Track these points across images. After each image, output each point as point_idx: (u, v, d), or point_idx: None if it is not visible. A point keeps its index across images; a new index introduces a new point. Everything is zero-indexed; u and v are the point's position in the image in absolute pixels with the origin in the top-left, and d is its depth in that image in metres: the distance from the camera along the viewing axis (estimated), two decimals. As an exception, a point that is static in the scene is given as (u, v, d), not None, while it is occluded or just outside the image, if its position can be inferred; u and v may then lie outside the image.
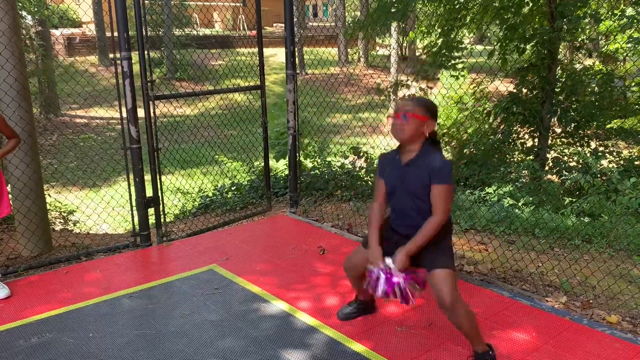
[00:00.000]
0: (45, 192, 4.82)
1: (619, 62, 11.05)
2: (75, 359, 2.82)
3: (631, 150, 8.75)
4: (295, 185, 5.43)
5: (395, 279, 2.54)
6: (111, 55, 4.17)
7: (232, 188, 6.90)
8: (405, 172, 2.63)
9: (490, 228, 4.89)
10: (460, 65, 7.41)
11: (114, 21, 4.04)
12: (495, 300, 3.41)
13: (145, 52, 4.17)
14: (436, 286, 2.52)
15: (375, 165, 6.62)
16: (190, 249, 4.37)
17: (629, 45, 7.59)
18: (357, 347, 2.90)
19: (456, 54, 7.31)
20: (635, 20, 6.35)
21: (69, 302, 3.45)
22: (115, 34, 4.06)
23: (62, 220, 6.76)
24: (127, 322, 3.19)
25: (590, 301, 3.46)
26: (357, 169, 6.52)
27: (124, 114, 4.21)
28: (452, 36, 7.64)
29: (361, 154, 6.70)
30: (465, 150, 7.55)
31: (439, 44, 7.58)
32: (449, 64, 7.28)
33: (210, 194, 7.11)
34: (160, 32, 18.55)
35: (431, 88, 7.92)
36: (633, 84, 9.23)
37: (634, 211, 5.27)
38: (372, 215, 2.78)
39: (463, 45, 7.53)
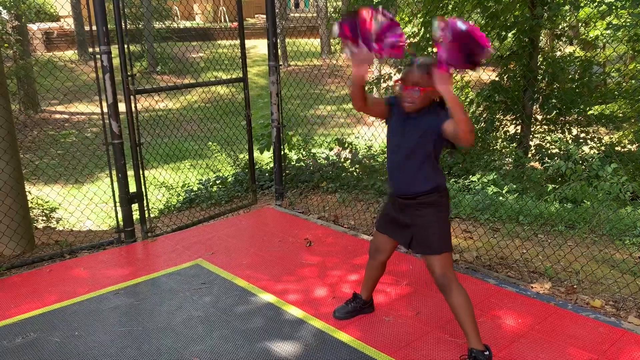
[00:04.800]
0: (27, 190, 4.74)
1: (599, 49, 11.16)
2: (61, 357, 2.79)
3: (612, 136, 8.87)
4: (280, 177, 5.42)
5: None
6: (90, 50, 4.07)
7: (217, 182, 6.86)
8: (406, 121, 2.55)
9: (475, 216, 4.92)
10: None
11: (92, 15, 3.97)
12: (480, 287, 3.44)
13: (125, 46, 4.11)
14: (430, 268, 2.61)
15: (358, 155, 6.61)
16: (175, 244, 4.34)
17: (608, 32, 7.66)
18: (345, 337, 2.91)
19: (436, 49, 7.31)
20: (614, 7, 6.41)
21: (54, 300, 3.41)
22: (94, 27, 3.99)
23: (44, 218, 6.66)
24: (113, 319, 3.16)
25: (575, 286, 3.50)
26: (342, 160, 6.51)
27: (105, 109, 4.16)
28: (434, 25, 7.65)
29: (346, 145, 6.69)
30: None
31: (421, 34, 7.59)
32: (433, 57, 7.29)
33: (195, 188, 7.07)
34: (140, 25, 18.29)
35: None
36: (613, 70, 9.33)
37: (615, 196, 5.35)
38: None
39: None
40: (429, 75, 2.38)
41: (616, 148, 7.44)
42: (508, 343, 2.82)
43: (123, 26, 4.08)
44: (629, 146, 8.21)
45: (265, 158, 7.41)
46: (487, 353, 2.58)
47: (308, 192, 5.85)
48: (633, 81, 8.90)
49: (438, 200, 2.61)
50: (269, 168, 6.76)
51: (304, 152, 6.78)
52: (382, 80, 8.21)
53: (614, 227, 4.56)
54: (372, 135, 6.21)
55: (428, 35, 7.62)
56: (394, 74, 7.87)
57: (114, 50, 4.03)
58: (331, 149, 6.98)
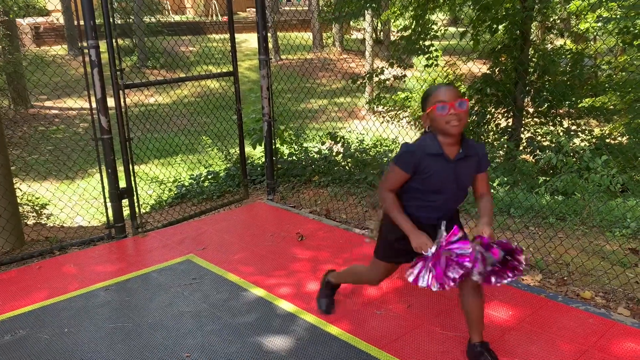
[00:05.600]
0: (16, 186, 4.70)
1: (589, 42, 11.21)
2: (50, 355, 2.77)
3: (602, 129, 8.91)
4: (272, 172, 5.40)
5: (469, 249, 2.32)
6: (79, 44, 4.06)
7: (209, 176, 6.84)
8: (458, 169, 2.41)
9: (466, 209, 4.93)
10: (434, 53, 7.41)
11: (79, 9, 3.92)
12: (472, 280, 3.44)
13: (114, 40, 4.07)
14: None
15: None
16: (166, 240, 4.31)
17: (599, 24, 7.68)
18: (337, 330, 2.91)
19: (428, 42, 7.31)
20: (603, 0, 6.42)
21: (43, 297, 3.38)
22: (82, 22, 3.95)
23: (34, 214, 6.61)
24: (103, 316, 3.14)
25: (565, 278, 3.52)
26: (334, 154, 6.50)
27: (94, 104, 4.12)
28: (425, 18, 7.64)
29: (338, 139, 6.68)
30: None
31: (412, 27, 7.58)
32: (425, 50, 7.28)
33: (187, 183, 7.04)
34: (130, 20, 18.15)
35: (404, 76, 7.92)
36: (603, 62, 9.37)
37: (606, 188, 5.37)
38: (395, 204, 2.46)
39: (436, 29, 7.53)
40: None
41: (607, 140, 7.47)
42: (499, 335, 2.83)
43: (111, 20, 4.04)
44: (619, 138, 8.25)
45: (257, 152, 7.38)
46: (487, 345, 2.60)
47: (300, 186, 5.84)
48: (623, 73, 8.94)
49: None
50: (260, 162, 6.74)
51: (295, 147, 6.76)
52: (374, 74, 8.19)
53: (604, 218, 4.58)
54: (364, 128, 6.20)
55: (420, 29, 7.61)
56: (386, 68, 7.85)
57: (103, 45, 3.99)
58: (323, 143, 6.97)
